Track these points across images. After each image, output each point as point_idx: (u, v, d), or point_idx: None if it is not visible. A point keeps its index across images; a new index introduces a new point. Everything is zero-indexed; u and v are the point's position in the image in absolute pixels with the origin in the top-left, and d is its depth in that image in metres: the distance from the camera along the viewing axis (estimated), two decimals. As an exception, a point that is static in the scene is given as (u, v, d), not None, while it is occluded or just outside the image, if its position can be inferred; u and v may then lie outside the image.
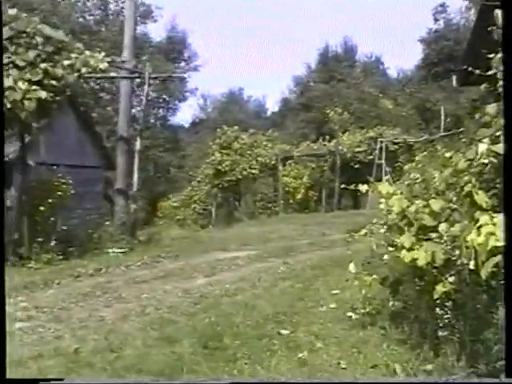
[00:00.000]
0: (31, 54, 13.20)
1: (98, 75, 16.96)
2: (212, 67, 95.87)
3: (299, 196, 32.96)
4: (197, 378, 6.22)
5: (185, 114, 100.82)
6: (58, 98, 13.68)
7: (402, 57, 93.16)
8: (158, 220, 33.05)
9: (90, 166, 24.91)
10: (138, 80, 19.87)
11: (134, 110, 32.63)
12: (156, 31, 73.40)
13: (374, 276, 8.49)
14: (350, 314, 8.44)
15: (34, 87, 12.95)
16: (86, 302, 10.28)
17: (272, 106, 64.58)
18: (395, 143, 36.13)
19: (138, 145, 18.24)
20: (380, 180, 29.46)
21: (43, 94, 12.95)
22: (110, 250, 15.87)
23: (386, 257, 8.55)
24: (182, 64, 47.48)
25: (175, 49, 47.51)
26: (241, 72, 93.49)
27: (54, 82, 13.27)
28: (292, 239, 20.55)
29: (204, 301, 9.97)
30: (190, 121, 58.70)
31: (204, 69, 61.71)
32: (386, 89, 49.49)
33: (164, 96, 45.91)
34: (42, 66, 13.24)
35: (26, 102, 12.73)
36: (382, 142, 34.97)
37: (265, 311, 8.91)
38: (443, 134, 36.53)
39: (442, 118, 36.37)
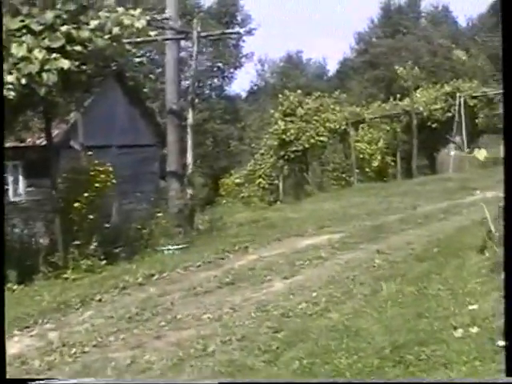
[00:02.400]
0: (49, 15, 10.67)
1: (138, 39, 14.33)
2: (267, 30, 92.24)
3: (375, 163, 30.03)
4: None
5: (242, 82, 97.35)
6: (85, 68, 11.10)
7: (471, 3, 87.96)
8: (221, 199, 30.59)
9: (144, 144, 22.89)
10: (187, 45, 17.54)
11: (186, 83, 30.46)
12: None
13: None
14: (501, 342, 5.77)
15: (55, 55, 10.41)
16: (130, 331, 7.77)
17: (334, 68, 61.26)
18: (474, 97, 32.93)
19: (190, 118, 15.58)
20: (462, 140, 26.56)
21: (66, 64, 10.37)
22: (163, 248, 13.34)
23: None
24: (236, 28, 44.62)
25: (228, 12, 44.74)
26: (298, 34, 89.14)
27: (79, 48, 10.66)
28: (377, 215, 17.84)
29: (287, 325, 7.33)
30: (247, 89, 55.91)
31: (259, 32, 58.46)
32: (458, 39, 46.04)
33: (218, 64, 43.33)
34: (64, 28, 10.68)
35: (45, 75, 10.20)
36: (460, 96, 31.79)
37: (377, 342, 6.26)
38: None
39: (525, 65, 32.78)
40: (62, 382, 5.85)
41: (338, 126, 29.95)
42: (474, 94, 33.02)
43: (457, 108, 31.30)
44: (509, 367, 4.84)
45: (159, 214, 14.58)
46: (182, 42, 39.90)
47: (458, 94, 31.69)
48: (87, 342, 7.37)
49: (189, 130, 15.59)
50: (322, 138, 29.21)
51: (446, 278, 8.73)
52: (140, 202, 19.42)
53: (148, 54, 37.76)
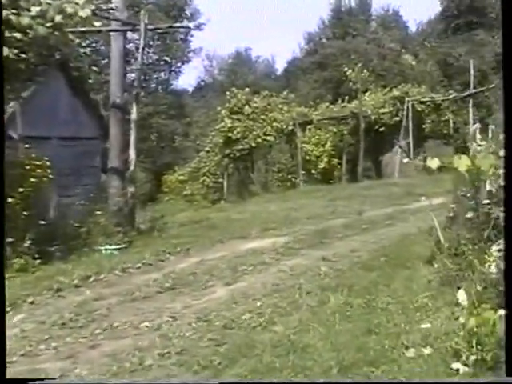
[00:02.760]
0: (-13, -1, 10.12)
1: (82, 29, 13.81)
2: (216, 25, 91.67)
3: (322, 165, 29.83)
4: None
5: (189, 78, 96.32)
6: (24, 56, 10.57)
7: (421, 8, 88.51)
8: (163, 196, 30.09)
9: (86, 137, 22.21)
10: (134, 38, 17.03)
11: (132, 76, 29.91)
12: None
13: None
14: (455, 365, 5.56)
15: (-9, 42, 9.86)
16: (63, 339, 7.33)
17: (282, 67, 61.19)
18: (422, 102, 33.11)
19: (134, 113, 15.05)
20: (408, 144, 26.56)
21: (4, 51, 9.85)
22: (102, 248, 12.80)
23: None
24: (185, 22, 44.02)
25: (176, 5, 44.03)
26: (247, 30, 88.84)
27: (18, 35, 10.16)
28: (322, 219, 17.68)
29: (229, 337, 6.97)
30: (194, 85, 55.32)
31: (208, 27, 57.85)
32: (407, 44, 46.27)
33: (165, 58, 42.72)
34: (3, 14, 10.14)
35: (-20, 62, 9.65)
36: (409, 101, 31.91)
37: (324, 359, 5.96)
38: (474, 91, 33.61)
39: (472, 73, 33.37)
40: (61, 382, 5.87)
41: (285, 126, 29.70)
42: (423, 99, 33.14)
43: (405, 113, 31.37)
44: (509, 367, 4.82)
45: (98, 212, 14.01)
46: (129, 34, 39.26)
47: (406, 99, 31.74)
48: (15, 350, 6.91)
49: (132, 124, 15.08)
50: (268, 138, 28.93)
51: (395, 289, 8.49)
52: (80, 196, 18.86)
53: (94, 45, 36.97)
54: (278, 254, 12.19)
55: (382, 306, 7.69)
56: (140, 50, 15.48)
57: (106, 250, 12.73)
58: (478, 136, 20.45)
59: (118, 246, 12.97)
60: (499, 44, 45.80)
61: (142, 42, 15.25)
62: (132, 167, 15.08)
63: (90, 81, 31.48)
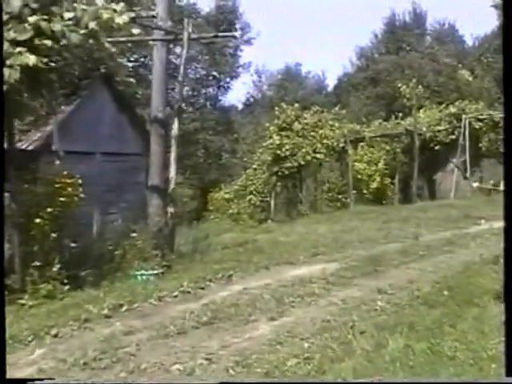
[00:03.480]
0: (16, 3, 9.42)
1: (121, 38, 13.08)
2: (266, 40, 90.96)
3: (374, 185, 28.76)
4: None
5: (238, 93, 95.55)
6: (54, 65, 9.81)
7: (478, 23, 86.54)
8: (209, 214, 29.28)
9: (130, 153, 21.69)
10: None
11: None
12: (204, 1, 68.00)
13: None
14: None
15: (20, 49, 9.13)
16: (81, 384, 6.50)
17: (333, 82, 60.24)
18: (480, 120, 31.83)
19: (175, 128, 14.21)
20: (464, 163, 25.41)
21: (32, 60, 9.10)
22: (137, 273, 11.96)
23: None
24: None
25: (226, 19, 43.34)
26: (297, 45, 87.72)
27: (48, 43, 9.40)
28: (375, 243, 16.66)
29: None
30: (243, 100, 54.57)
31: (258, 42, 56.79)
32: (463, 59, 44.92)
33: (214, 73, 42.12)
34: (32, 19, 9.43)
35: (7, 71, 8.92)
36: (466, 118, 30.70)
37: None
38: (536, 107, 32.16)
39: (534, 89, 31.77)
40: (62, 382, 5.96)
41: (335, 144, 28.72)
42: (480, 117, 31.88)
43: (462, 130, 30.17)
44: (509, 367, 4.85)
45: (133, 234, 13.15)
46: (178, 49, 38.68)
47: (463, 116, 30.54)
48: (27, 395, 6.09)
49: (173, 141, 14.23)
50: (318, 156, 27.95)
51: (464, 332, 7.46)
52: (123, 213, 18.30)
53: (142, 59, 36.50)
54: (329, 283, 11.22)
55: (450, 354, 6.68)
56: (182, 61, 14.66)
57: (141, 275, 11.89)
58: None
59: (154, 271, 12.10)
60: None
61: (184, 52, 14.45)
62: (172, 186, 14.24)
63: (138, 95, 31.00)
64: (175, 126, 14.17)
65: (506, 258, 5.18)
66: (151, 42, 15.40)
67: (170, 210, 14.07)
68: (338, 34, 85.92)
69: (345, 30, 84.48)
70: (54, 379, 6.07)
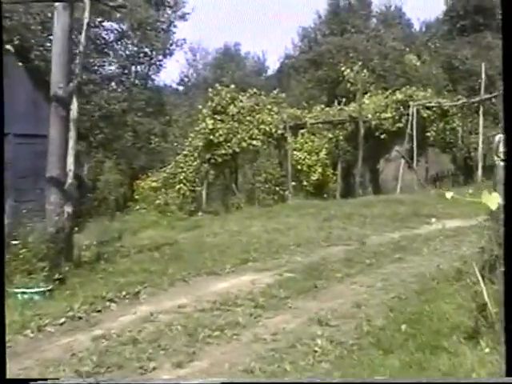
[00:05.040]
0: None
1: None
2: (203, 16, 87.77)
3: (315, 176, 26.80)
4: None
5: (172, 73, 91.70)
6: None
7: (425, 7, 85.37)
8: (134, 205, 26.95)
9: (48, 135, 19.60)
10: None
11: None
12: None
13: None
14: None
15: None
16: None
17: (273, 64, 57.89)
18: (428, 108, 30.27)
19: (74, 109, 11.90)
20: (411, 153, 23.78)
21: None
22: (17, 290, 9.65)
23: None
24: (168, 11, 40.83)
25: (157, -10, 40.76)
26: (237, 24, 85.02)
27: None
28: (315, 246, 14.79)
29: None
30: (177, 80, 52.07)
31: (193, 18, 54.02)
32: (411, 43, 43.35)
33: (145, 50, 39.55)
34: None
35: None
36: (413, 106, 29.04)
37: None
38: (486, 96, 30.95)
39: (483, 77, 30.73)
40: (61, 382, 5.84)
41: (274, 130, 26.64)
42: (428, 105, 30.28)
43: (410, 118, 28.46)
44: (509, 367, 4.90)
45: (14, 242, 10.69)
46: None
47: (411, 104, 28.86)
48: None
49: (71, 125, 11.92)
50: (254, 142, 25.91)
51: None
52: (37, 202, 16.21)
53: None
54: (257, 306, 9.18)
55: None
56: (84, 27, 12.26)
57: (22, 293, 9.61)
58: (502, 149, 17.57)
59: (41, 289, 9.82)
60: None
61: (86, 16, 12.09)
62: (70, 180, 11.94)
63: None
64: (74, 106, 11.84)
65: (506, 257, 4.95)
66: (56, 4, 12.95)
67: (68, 209, 11.76)
68: (281, 13, 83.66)
69: (288, 10, 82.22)
70: (57, 379, 5.91)
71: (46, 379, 5.55)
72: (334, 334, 7.72)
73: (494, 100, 32.62)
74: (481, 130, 29.94)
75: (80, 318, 8.69)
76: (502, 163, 18.02)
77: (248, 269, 12.22)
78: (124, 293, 9.90)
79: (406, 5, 68.50)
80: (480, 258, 10.28)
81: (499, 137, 18.59)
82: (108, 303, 9.41)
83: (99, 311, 9.05)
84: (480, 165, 29.45)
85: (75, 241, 12.69)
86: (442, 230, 16.44)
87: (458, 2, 45.22)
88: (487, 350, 6.47)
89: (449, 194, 6.24)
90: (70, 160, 11.77)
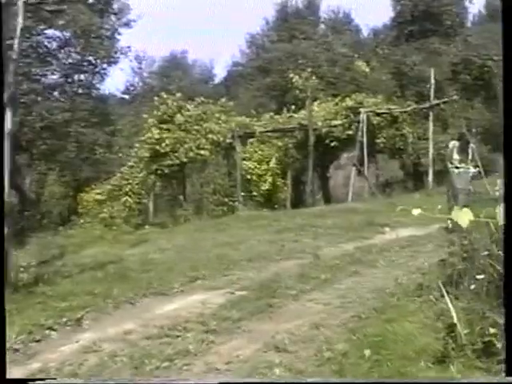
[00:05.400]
0: None
1: None
2: (148, 24, 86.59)
3: (265, 186, 26.34)
4: None
5: (117, 81, 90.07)
6: None
7: (373, 13, 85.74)
8: (78, 218, 26.15)
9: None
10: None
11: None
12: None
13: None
14: None
15: None
16: None
17: (221, 72, 57.47)
18: (378, 114, 30.13)
19: (8, 121, 11.07)
20: (361, 160, 23.44)
21: None
22: None
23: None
24: (112, 18, 40.00)
25: (101, -1, 39.94)
26: (184, 31, 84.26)
27: None
28: (268, 261, 14.23)
29: None
30: (122, 89, 51.17)
31: (138, 25, 52.98)
32: (360, 49, 43.36)
33: (89, 58, 38.69)
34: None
35: None
36: (364, 112, 28.81)
37: None
38: (436, 102, 30.96)
39: (432, 82, 30.70)
40: (61, 382, 6.05)
41: (222, 139, 26.17)
42: (379, 111, 30.12)
43: (360, 125, 28.20)
44: (509, 367, 4.82)
45: None
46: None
47: (362, 110, 28.61)
48: None
49: (6, 139, 11.09)
50: (202, 152, 25.41)
51: None
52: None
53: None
54: (209, 331, 8.58)
55: None
56: (17, 32, 11.47)
57: None
58: (456, 156, 17.30)
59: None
60: (455, 53, 43.83)
61: (20, 20, 11.32)
62: (6, 198, 11.10)
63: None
64: (8, 118, 11.05)
65: (506, 258, 4.99)
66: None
67: (4, 230, 10.97)
68: (229, 20, 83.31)
69: (236, 17, 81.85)
70: (55, 379, 6.01)
71: (44, 379, 5.56)
72: (293, 362, 7.17)
73: (442, 106, 32.70)
74: (431, 135, 29.89)
75: (16, 349, 8.00)
76: (455, 170, 17.89)
77: (197, 287, 11.61)
78: (65, 319, 9.19)
79: (354, 11, 68.71)
80: (441, 272, 9.91)
81: (453, 143, 18.45)
82: (48, 331, 8.70)
83: (38, 341, 8.35)
84: (431, 171, 29.33)
85: (13, 261, 11.96)
86: (396, 239, 16.14)
87: (405, 8, 45.47)
88: (459, 376, 6.03)
89: (416, 211, 5.77)
90: (6, 178, 10.99)
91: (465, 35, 44.34)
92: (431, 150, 29.68)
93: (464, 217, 5.42)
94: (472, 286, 8.03)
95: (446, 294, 7.58)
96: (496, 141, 27.97)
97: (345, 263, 13.52)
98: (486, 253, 8.00)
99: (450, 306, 7.07)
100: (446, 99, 32.55)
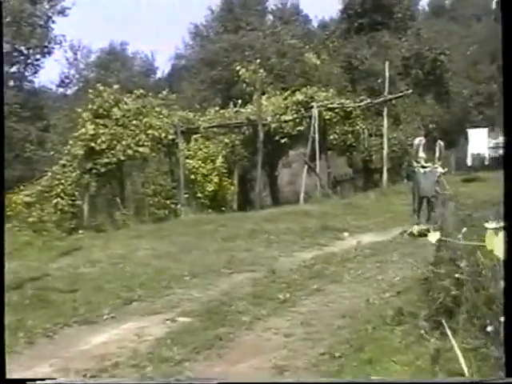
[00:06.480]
0: None
1: None
2: (85, 12, 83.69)
3: (211, 187, 24.60)
4: None
5: (52, 73, 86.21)
6: None
7: (323, 4, 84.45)
8: (6, 222, 23.98)
9: None
10: None
11: None
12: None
13: None
14: None
15: None
16: None
17: (164, 65, 55.51)
18: (330, 109, 28.66)
19: None
20: (312, 157, 21.79)
21: None
22: None
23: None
24: (46, 5, 37.91)
25: (33, -17, 37.85)
26: (124, 21, 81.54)
27: None
28: (215, 275, 12.62)
29: None
30: (57, 81, 48.78)
31: (74, 13, 50.63)
32: (309, 41, 42.03)
33: (21, 48, 36.59)
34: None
35: None
36: (316, 107, 27.23)
37: None
38: (390, 96, 29.66)
39: (387, 75, 29.40)
40: (62, 382, 5.87)
41: (164, 135, 24.41)
42: (331, 106, 28.65)
43: (312, 121, 26.60)
44: (509, 367, 4.54)
45: None
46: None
47: (314, 105, 27.03)
48: None
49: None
50: (142, 149, 23.62)
51: None
52: None
53: None
54: (144, 377, 6.85)
55: None
56: None
57: None
58: (423, 154, 15.81)
59: None
60: (406, 47, 42.81)
61: None
62: None
63: None
64: None
65: (507, 259, 4.20)
66: None
67: None
68: (172, 9, 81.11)
69: (179, 6, 79.56)
70: (54, 379, 5.76)
71: (43, 379, 5.17)
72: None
73: (393, 101, 31.48)
74: (385, 131, 28.59)
75: None
76: (421, 170, 16.45)
77: (132, 312, 9.87)
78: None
79: (302, 1, 67.40)
80: (422, 293, 8.42)
81: (419, 140, 16.99)
82: None
83: None
84: (385, 168, 28.05)
85: None
86: (357, 247, 14.75)
87: (355, 0, 44.24)
88: None
89: (433, 238, 4.24)
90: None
91: (416, 28, 43.29)
92: (386, 147, 28.34)
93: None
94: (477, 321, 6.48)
95: (446, 326, 5.95)
96: (447, 138, 26.96)
97: (304, 278, 11.94)
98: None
99: (454, 343, 5.41)
100: (400, 94, 31.28)
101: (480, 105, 41.00)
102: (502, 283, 6.20)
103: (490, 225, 6.62)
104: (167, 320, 9.27)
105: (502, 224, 6.67)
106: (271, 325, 8.92)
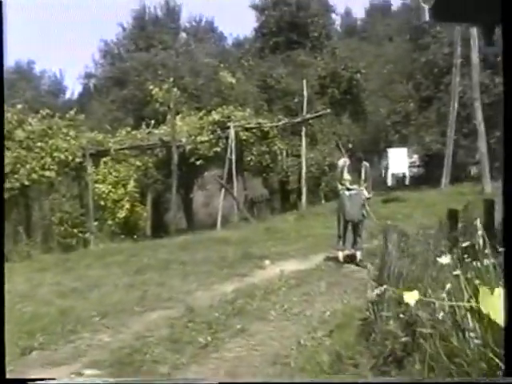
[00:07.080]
0: None
1: None
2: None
3: (122, 213, 23.33)
4: None
5: None
6: None
7: (237, 22, 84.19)
8: None
9: None
10: None
11: None
12: None
13: None
14: None
15: None
16: None
17: (72, 83, 53.60)
18: (247, 129, 27.87)
19: None
20: (229, 179, 20.83)
21: None
22: None
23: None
24: None
25: None
26: (30, 38, 79.10)
27: None
28: (127, 315, 11.44)
29: None
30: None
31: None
32: (225, 60, 41.39)
33: None
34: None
35: None
36: (233, 127, 26.38)
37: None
38: (309, 116, 29.15)
39: (305, 93, 29.05)
40: (61, 381, 6.17)
41: (71, 158, 23.11)
42: (248, 126, 27.85)
43: (229, 141, 25.69)
44: (508, 367, 4.38)
45: None
46: None
47: (231, 125, 26.14)
48: None
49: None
50: (48, 173, 22.30)
51: None
52: None
53: None
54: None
55: None
56: None
57: None
58: (348, 176, 14.99)
59: None
60: (322, 66, 42.52)
61: None
62: None
63: None
64: None
65: (506, 258, 4.02)
66: None
67: None
68: (81, 26, 78.94)
69: (89, 23, 77.76)
70: (54, 379, 5.88)
71: (43, 379, 5.13)
72: None
73: (310, 121, 31.00)
74: (304, 151, 28.05)
75: None
76: (346, 192, 15.61)
77: (31, 365, 8.63)
78: None
79: (217, 18, 66.89)
80: (364, 338, 7.54)
81: (343, 161, 16.11)
82: None
83: None
84: (304, 190, 27.38)
85: None
86: (281, 276, 13.79)
87: (270, 19, 43.99)
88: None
89: (411, 299, 3.25)
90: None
91: (332, 47, 43.18)
92: (304, 168, 27.80)
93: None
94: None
95: None
96: (364, 157, 26.57)
97: (226, 316, 10.85)
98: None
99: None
100: (319, 113, 30.82)
101: (397, 123, 41.01)
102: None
103: (444, 260, 5.66)
104: (71, 374, 8.10)
105: (448, 260, 5.72)
106: (192, 376, 7.85)
